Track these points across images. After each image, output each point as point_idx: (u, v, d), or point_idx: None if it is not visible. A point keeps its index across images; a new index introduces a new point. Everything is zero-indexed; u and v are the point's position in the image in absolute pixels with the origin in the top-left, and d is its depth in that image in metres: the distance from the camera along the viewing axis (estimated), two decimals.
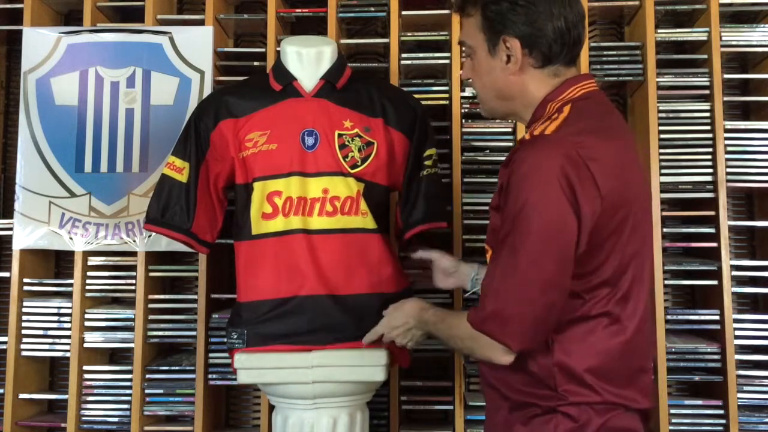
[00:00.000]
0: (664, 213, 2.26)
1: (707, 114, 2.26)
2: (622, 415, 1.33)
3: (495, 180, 2.27)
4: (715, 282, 2.19)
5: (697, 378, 2.22)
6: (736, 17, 2.45)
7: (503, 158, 2.23)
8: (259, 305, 1.75)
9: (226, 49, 2.39)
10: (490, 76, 1.43)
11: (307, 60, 1.83)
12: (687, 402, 2.20)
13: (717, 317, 2.20)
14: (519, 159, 1.29)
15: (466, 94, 2.28)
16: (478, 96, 1.50)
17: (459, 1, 1.48)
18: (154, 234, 2.19)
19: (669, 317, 2.20)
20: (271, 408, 1.87)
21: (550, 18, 1.37)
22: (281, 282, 1.74)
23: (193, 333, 2.25)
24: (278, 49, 2.25)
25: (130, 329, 2.26)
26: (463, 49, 1.50)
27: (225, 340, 1.83)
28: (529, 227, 1.25)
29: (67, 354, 2.26)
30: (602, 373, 1.31)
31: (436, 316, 1.53)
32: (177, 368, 2.26)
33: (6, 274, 2.33)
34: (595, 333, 1.32)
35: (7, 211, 2.54)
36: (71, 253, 2.31)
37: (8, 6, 2.43)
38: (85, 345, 2.27)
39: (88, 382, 2.28)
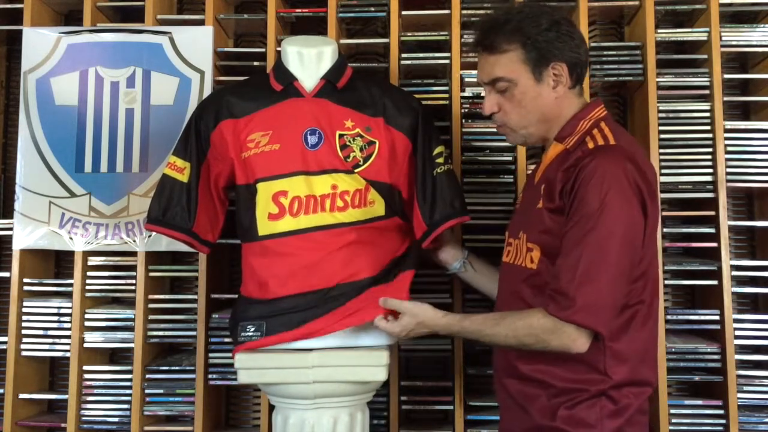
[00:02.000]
0: (664, 213, 2.25)
1: (707, 114, 2.26)
2: (647, 398, 1.52)
3: (495, 180, 2.28)
4: (715, 282, 2.19)
5: (697, 378, 2.22)
6: (736, 17, 2.45)
7: (503, 158, 2.27)
8: (273, 302, 1.75)
9: (226, 49, 2.39)
10: (536, 101, 1.58)
11: (308, 60, 1.83)
12: (687, 402, 2.20)
13: (717, 317, 2.20)
14: (592, 165, 1.43)
15: (466, 94, 2.28)
16: (515, 125, 1.62)
17: (487, 43, 1.59)
18: (154, 234, 2.19)
19: (669, 317, 2.20)
20: (271, 408, 1.87)
21: (582, 43, 1.58)
22: (295, 279, 1.74)
23: (193, 333, 2.25)
24: (278, 49, 2.25)
25: (130, 329, 2.26)
26: (500, 85, 1.58)
27: (233, 336, 1.81)
28: (613, 226, 1.40)
29: (67, 354, 2.26)
30: (641, 355, 1.50)
31: (481, 323, 1.56)
32: (177, 368, 2.26)
33: (6, 274, 2.33)
34: (634, 319, 1.48)
35: (7, 211, 2.54)
36: (71, 253, 2.31)
37: (8, 6, 2.43)
38: (85, 345, 2.27)
39: (88, 382, 2.27)
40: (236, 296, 1.90)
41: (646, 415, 1.53)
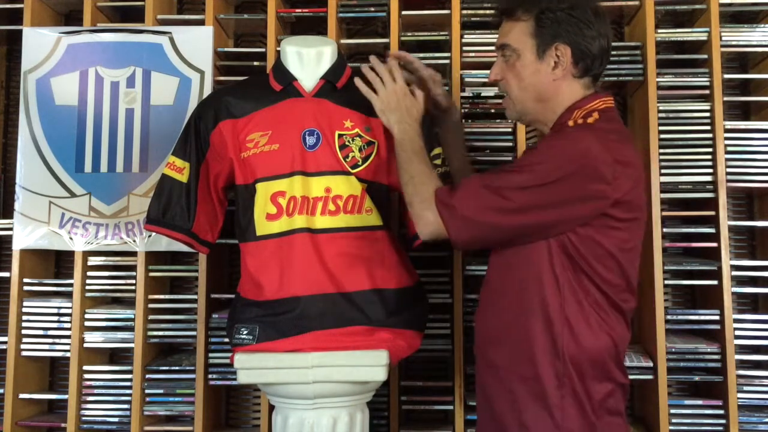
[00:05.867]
0: (664, 213, 2.25)
1: (707, 114, 2.26)
2: (621, 395, 1.51)
3: None
4: (715, 282, 2.19)
5: (697, 378, 2.22)
6: (736, 17, 2.45)
7: (503, 158, 2.27)
8: (268, 304, 1.75)
9: (226, 49, 2.39)
10: (533, 78, 1.55)
11: (307, 60, 1.83)
12: (687, 402, 2.20)
13: (717, 317, 2.20)
14: (559, 132, 1.47)
15: (466, 94, 2.28)
16: (512, 97, 1.60)
17: (509, 6, 1.57)
18: (154, 234, 2.19)
19: (669, 317, 2.20)
20: (271, 408, 1.87)
21: (599, 36, 1.53)
22: (289, 281, 1.73)
23: (193, 333, 2.25)
24: (278, 49, 2.25)
25: (130, 329, 2.26)
26: (507, 53, 1.58)
27: (229, 337, 1.81)
28: (533, 180, 1.41)
29: (67, 354, 2.26)
30: (611, 356, 1.47)
31: (420, 148, 1.64)
32: (177, 368, 2.26)
33: (6, 274, 2.33)
34: (609, 317, 1.47)
35: (7, 211, 2.54)
36: (71, 253, 2.31)
37: (8, 6, 2.43)
38: (85, 345, 2.27)
39: (88, 382, 2.27)
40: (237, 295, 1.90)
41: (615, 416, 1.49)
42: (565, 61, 1.52)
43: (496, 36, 1.63)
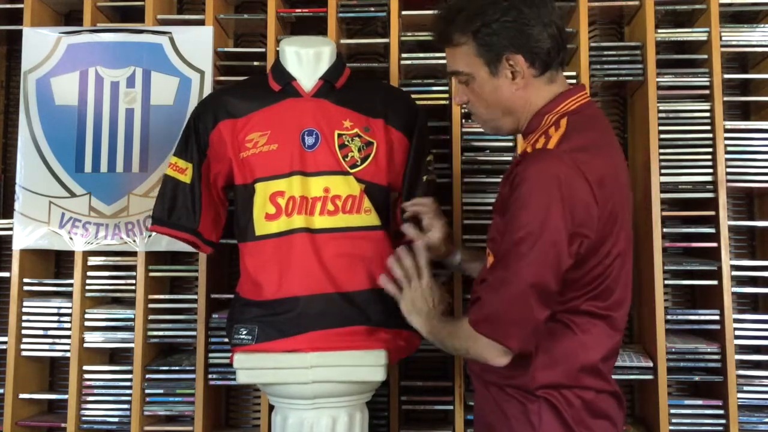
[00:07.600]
0: (664, 213, 2.25)
1: (707, 114, 2.26)
2: (611, 400, 1.47)
3: (495, 180, 2.28)
4: (715, 282, 2.19)
5: (697, 378, 2.21)
6: (736, 17, 2.45)
7: (503, 158, 2.27)
8: (267, 304, 1.75)
9: (226, 49, 2.39)
10: (495, 95, 1.49)
11: (306, 60, 1.83)
12: (687, 402, 2.20)
13: (717, 317, 2.20)
14: (523, 173, 1.35)
15: None
16: (483, 117, 1.55)
17: (443, 35, 1.51)
18: (154, 234, 2.19)
19: (669, 317, 2.20)
20: (271, 408, 1.87)
21: (544, 27, 1.44)
22: (288, 281, 1.73)
23: (193, 333, 2.25)
24: (278, 49, 2.25)
25: (130, 329, 2.27)
26: (461, 78, 1.52)
27: (229, 337, 1.81)
28: (530, 238, 1.32)
29: (67, 354, 2.26)
30: (587, 364, 1.43)
31: (443, 328, 1.54)
32: (177, 368, 2.26)
33: (6, 274, 2.33)
34: (584, 326, 1.43)
35: (7, 211, 2.54)
36: (71, 253, 2.31)
37: (8, 6, 2.43)
38: (85, 345, 2.27)
39: (88, 382, 2.28)
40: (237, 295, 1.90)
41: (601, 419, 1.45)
42: (521, 68, 1.44)
43: None
